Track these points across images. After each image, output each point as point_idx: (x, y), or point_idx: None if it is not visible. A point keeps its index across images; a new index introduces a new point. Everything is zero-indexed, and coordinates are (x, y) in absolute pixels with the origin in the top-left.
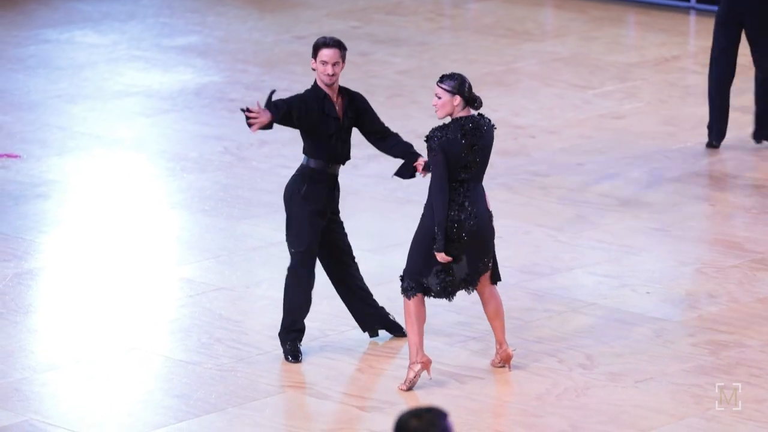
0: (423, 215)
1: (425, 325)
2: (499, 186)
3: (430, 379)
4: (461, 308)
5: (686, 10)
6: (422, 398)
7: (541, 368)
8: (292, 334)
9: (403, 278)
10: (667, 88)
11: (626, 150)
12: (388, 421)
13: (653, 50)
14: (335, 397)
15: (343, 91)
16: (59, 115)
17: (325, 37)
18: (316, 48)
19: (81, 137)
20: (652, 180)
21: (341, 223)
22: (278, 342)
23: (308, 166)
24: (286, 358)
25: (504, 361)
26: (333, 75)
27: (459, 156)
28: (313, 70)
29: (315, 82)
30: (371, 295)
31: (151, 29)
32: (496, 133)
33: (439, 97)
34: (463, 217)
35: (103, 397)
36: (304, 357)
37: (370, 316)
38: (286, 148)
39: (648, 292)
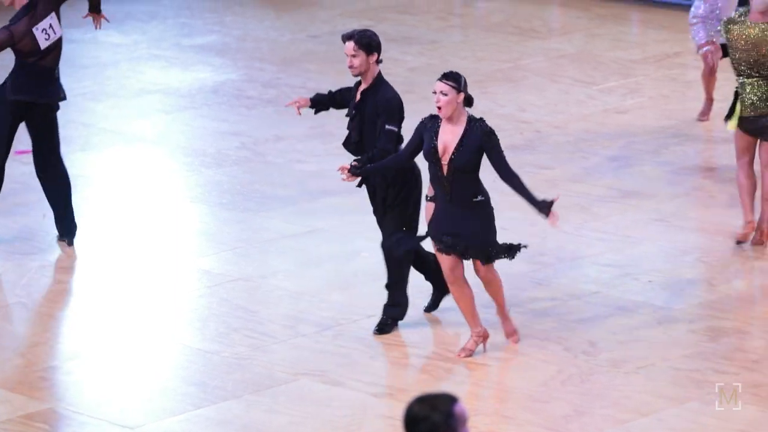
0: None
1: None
2: None
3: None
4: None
5: (687, 7)
6: (431, 385)
7: (547, 355)
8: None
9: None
10: (668, 84)
11: (629, 144)
12: (400, 407)
13: (655, 47)
14: (348, 384)
15: (376, 88)
16: (83, 112)
17: (347, 31)
18: None
19: (104, 133)
20: (654, 172)
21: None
22: (293, 331)
23: None
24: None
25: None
26: (351, 66)
27: None
28: None
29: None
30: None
31: (171, 29)
32: (503, 126)
33: (445, 94)
34: None
35: (124, 385)
36: (317, 345)
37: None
38: (301, 144)
39: (650, 281)
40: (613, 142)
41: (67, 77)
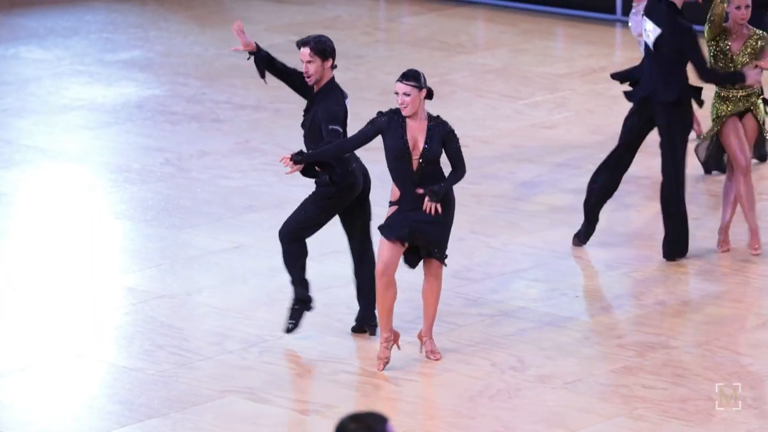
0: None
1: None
2: None
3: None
4: (395, 311)
5: (612, 23)
6: (359, 401)
7: (474, 370)
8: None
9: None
10: (594, 98)
11: (556, 158)
12: (329, 425)
13: (581, 61)
14: (276, 402)
15: (326, 94)
16: (6, 129)
17: (302, 38)
18: None
19: (27, 150)
20: (581, 188)
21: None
22: (219, 348)
23: None
24: None
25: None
26: (306, 73)
27: None
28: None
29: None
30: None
31: (94, 44)
32: None
33: (408, 95)
34: None
35: (48, 404)
36: (243, 362)
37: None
38: (226, 159)
39: (577, 296)
40: (541, 157)
41: None
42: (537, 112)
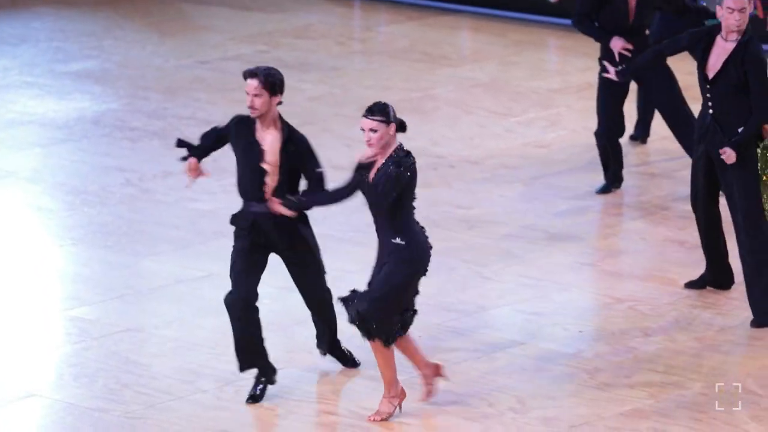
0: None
1: (339, 366)
2: (420, 219)
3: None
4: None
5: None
6: None
7: (472, 412)
8: None
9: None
10: (591, 115)
11: (552, 180)
12: None
13: (577, 75)
14: None
15: (290, 134)
16: None
17: (250, 68)
18: None
19: None
20: (580, 212)
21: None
22: (191, 387)
23: None
24: None
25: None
26: (252, 107)
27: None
28: None
29: None
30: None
31: (44, 54)
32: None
33: (375, 131)
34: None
35: None
36: (218, 402)
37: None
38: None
39: (580, 331)
40: (535, 179)
41: None
42: (529, 130)
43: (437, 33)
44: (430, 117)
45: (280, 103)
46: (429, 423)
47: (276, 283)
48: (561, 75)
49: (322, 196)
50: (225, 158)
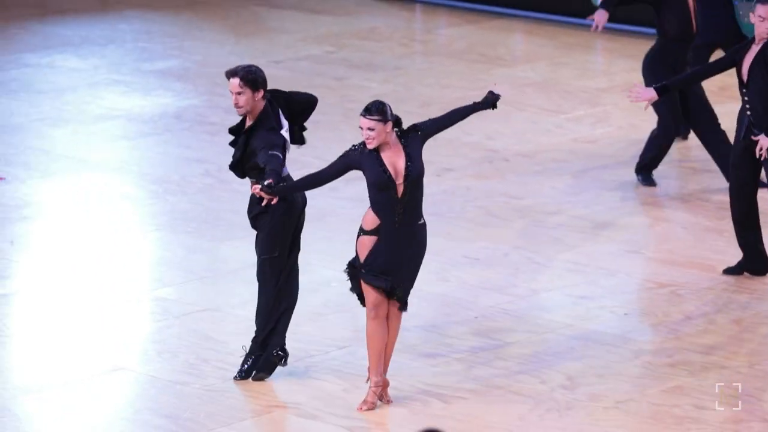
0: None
1: (402, 344)
2: (476, 208)
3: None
4: (442, 327)
5: (652, 36)
6: (410, 419)
7: (524, 388)
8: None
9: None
10: (637, 113)
11: (599, 173)
12: None
13: (622, 75)
14: (323, 417)
15: (259, 123)
16: (42, 139)
17: (230, 68)
18: None
19: (64, 160)
20: (625, 203)
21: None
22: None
23: None
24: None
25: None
26: (236, 105)
27: None
28: None
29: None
30: None
31: (130, 54)
32: (471, 155)
33: (372, 129)
34: None
35: (92, 418)
36: (289, 377)
37: None
38: None
39: (626, 314)
40: (584, 172)
41: (24, 102)
42: (578, 127)
43: (493, 35)
44: (485, 114)
45: (264, 97)
46: (484, 398)
47: (342, 267)
48: (607, 75)
49: (301, 180)
50: (294, 150)
